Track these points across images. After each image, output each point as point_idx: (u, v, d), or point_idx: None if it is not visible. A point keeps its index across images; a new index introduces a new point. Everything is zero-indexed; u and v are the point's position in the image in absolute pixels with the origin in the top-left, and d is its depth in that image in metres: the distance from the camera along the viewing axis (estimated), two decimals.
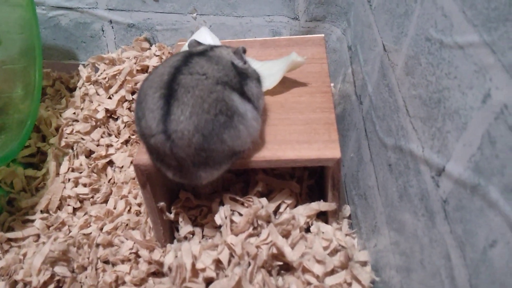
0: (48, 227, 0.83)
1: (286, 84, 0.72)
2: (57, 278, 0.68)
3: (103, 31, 1.12)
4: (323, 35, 0.84)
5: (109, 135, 0.99)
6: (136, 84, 1.00)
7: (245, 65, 0.63)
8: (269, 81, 0.70)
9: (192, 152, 0.55)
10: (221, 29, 1.08)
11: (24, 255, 0.73)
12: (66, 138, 0.97)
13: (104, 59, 1.09)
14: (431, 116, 0.41)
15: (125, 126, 0.97)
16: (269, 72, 0.71)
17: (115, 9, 1.08)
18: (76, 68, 1.16)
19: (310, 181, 0.72)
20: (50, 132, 0.99)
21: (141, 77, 1.01)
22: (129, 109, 0.99)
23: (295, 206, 0.67)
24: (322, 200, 0.65)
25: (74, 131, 0.98)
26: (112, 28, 1.11)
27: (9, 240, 0.80)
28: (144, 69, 1.03)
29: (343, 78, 0.94)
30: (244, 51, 0.63)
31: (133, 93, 1.00)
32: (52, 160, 0.93)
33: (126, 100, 1.00)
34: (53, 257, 0.68)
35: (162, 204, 0.65)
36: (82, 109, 1.05)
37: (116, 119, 1.00)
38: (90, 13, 1.09)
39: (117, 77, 1.02)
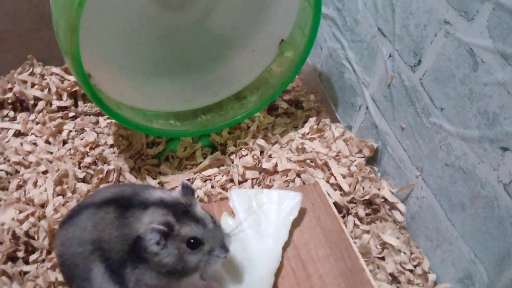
0: None
1: None
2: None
3: (359, 108, 1.03)
4: None
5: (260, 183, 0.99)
6: (302, 168, 0.94)
7: (155, 248, 0.51)
8: None
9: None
10: (423, 210, 0.83)
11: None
12: (233, 155, 1.03)
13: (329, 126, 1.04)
14: None
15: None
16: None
17: (376, 101, 0.96)
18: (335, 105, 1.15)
19: None
20: (240, 142, 1.07)
21: (310, 169, 0.93)
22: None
23: None
24: None
25: (243, 157, 1.02)
26: (365, 113, 1.01)
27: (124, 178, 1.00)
28: (316, 165, 0.94)
29: None
30: (163, 233, 0.51)
31: (298, 175, 0.95)
32: (207, 160, 1.02)
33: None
34: None
35: None
36: (281, 147, 1.06)
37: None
38: (360, 86, 1.01)
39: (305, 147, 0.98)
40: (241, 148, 1.04)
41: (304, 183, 0.91)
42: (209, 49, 1.10)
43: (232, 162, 1.03)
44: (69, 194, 0.92)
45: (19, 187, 0.94)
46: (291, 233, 0.68)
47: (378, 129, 0.96)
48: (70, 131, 1.06)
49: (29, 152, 1.01)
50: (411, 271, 0.82)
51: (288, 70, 1.03)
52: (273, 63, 1.09)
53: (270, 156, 1.01)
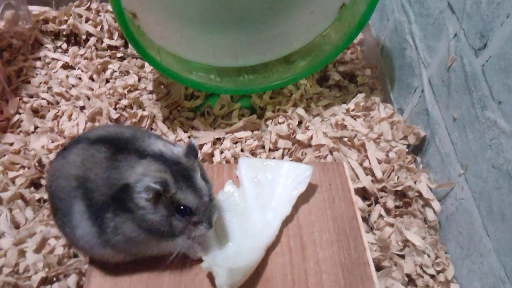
0: None
1: None
2: None
3: (414, 91, 0.93)
4: None
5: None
6: (336, 145, 0.87)
7: (144, 203, 0.48)
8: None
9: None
10: (459, 213, 0.73)
11: None
12: (270, 121, 0.98)
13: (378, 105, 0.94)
14: None
15: None
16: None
17: (433, 85, 0.86)
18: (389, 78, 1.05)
19: None
20: (280, 108, 1.01)
21: (345, 148, 0.86)
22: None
23: None
24: None
25: (279, 124, 0.97)
26: (419, 97, 0.91)
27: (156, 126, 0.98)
28: (352, 145, 0.87)
29: None
30: (157, 191, 0.47)
31: (331, 153, 0.88)
32: (241, 122, 0.98)
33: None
34: None
35: None
36: (322, 120, 0.98)
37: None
38: (419, 66, 0.91)
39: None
40: (278, 115, 0.99)
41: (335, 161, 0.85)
42: (266, 6, 1.04)
43: (267, 128, 0.98)
44: None
45: (55, 117, 0.96)
46: (298, 209, 0.63)
47: (429, 117, 0.86)
48: (115, 71, 1.06)
49: (73, 86, 1.03)
50: (432, 276, 0.74)
51: (343, 38, 0.95)
52: (329, 28, 1.01)
53: (307, 127, 0.95)
